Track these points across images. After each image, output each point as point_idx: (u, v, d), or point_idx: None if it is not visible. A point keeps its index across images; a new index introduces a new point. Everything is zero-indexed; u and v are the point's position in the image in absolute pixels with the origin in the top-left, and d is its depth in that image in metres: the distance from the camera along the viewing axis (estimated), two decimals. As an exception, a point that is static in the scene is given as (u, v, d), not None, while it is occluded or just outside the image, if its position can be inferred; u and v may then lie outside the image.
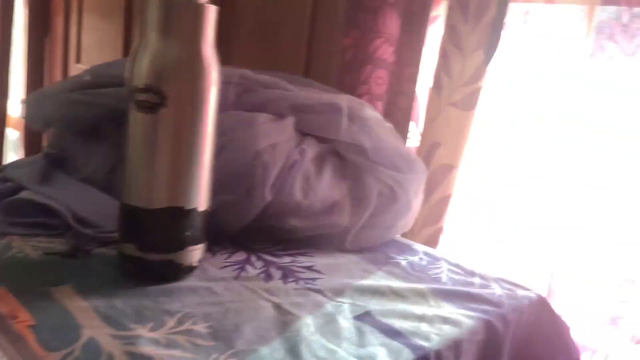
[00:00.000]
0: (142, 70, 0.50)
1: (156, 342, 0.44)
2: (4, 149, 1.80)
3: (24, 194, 0.66)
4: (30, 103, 0.78)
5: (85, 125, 0.74)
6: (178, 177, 0.52)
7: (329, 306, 0.53)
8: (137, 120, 0.52)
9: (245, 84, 0.70)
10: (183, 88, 0.50)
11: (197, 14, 0.50)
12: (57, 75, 1.79)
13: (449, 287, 0.61)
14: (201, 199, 0.53)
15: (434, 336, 0.50)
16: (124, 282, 0.54)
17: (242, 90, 0.69)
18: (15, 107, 1.72)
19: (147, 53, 0.50)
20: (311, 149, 0.67)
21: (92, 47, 1.63)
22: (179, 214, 0.52)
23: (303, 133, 0.69)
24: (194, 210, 0.53)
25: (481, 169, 0.86)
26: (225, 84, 0.57)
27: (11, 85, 1.72)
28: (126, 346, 0.43)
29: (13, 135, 1.90)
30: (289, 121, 0.68)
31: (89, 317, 0.47)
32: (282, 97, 0.70)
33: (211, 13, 0.51)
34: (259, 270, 0.59)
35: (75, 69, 1.66)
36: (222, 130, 0.57)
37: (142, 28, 0.51)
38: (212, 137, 0.53)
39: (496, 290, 0.61)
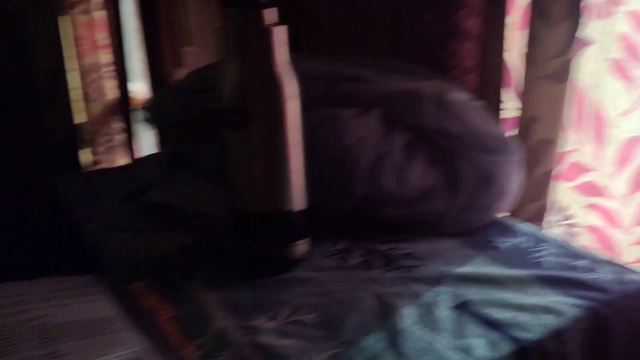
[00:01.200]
0: (226, 94, 0.56)
1: (274, 332, 0.50)
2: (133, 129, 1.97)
3: (153, 194, 0.75)
4: (149, 108, 0.86)
5: (198, 125, 0.81)
6: (273, 183, 0.57)
7: (428, 295, 0.56)
8: (229, 137, 0.58)
9: (330, 77, 0.73)
10: (263, 106, 0.56)
11: (266, 37, 0.54)
12: (170, 59, 1.91)
13: (552, 272, 0.60)
14: (298, 199, 0.59)
15: (535, 326, 0.51)
16: (244, 275, 0.60)
17: (328, 85, 0.72)
18: (139, 91, 1.85)
19: (227, 78, 0.55)
20: (400, 139, 0.69)
21: (199, 29, 1.72)
22: (280, 215, 0.58)
23: (391, 123, 0.71)
24: (292, 210, 0.58)
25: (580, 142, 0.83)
26: (310, 79, 0.61)
27: (132, 72, 1.85)
28: (250, 336, 0.50)
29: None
30: (375, 113, 0.70)
31: (217, 308, 0.54)
32: (367, 89, 0.72)
33: (280, 34, 0.55)
34: (360, 260, 0.63)
35: (186, 52, 1.76)
36: (310, 128, 0.60)
37: (219, 54, 0.56)
38: (298, 143, 0.58)
39: (603, 275, 0.59)
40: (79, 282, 0.54)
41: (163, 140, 0.92)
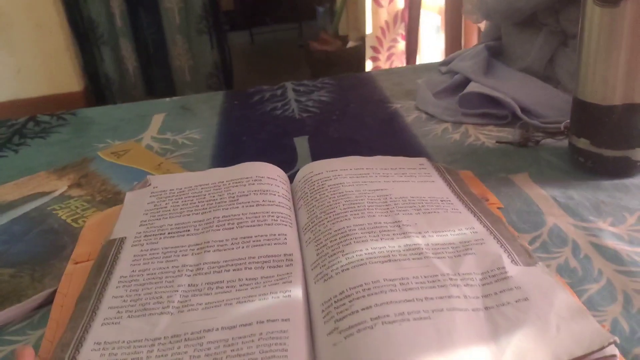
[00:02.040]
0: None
1: (619, 237, 0.46)
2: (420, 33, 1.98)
3: (473, 87, 0.73)
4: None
5: (525, 15, 0.76)
6: (635, 73, 0.50)
7: None
8: (594, 13, 0.51)
9: None
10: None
11: None
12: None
13: None
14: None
15: None
16: (576, 174, 0.56)
17: None
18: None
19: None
20: None
21: None
22: (636, 111, 0.51)
23: None
24: (654, 107, 0.50)
25: None
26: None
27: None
28: (589, 237, 0.47)
29: (434, 20, 2.06)
30: None
31: (548, 205, 0.52)
32: None
33: None
34: None
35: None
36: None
37: None
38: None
39: None
40: (411, 163, 0.57)
41: (485, 33, 0.89)
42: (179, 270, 0.43)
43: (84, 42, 2.88)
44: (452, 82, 0.78)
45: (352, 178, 0.53)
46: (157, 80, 3.05)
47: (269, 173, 0.55)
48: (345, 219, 0.46)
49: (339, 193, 0.50)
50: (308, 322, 0.38)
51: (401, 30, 2.28)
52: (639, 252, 0.44)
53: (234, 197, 0.51)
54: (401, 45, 2.32)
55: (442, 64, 0.90)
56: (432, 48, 2.20)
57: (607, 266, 0.43)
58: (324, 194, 0.50)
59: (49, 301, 0.44)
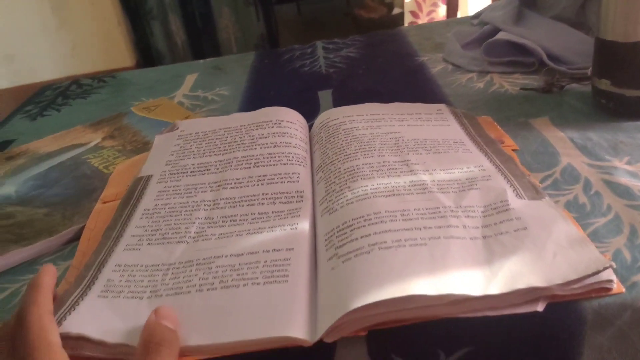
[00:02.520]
0: None
1: (633, 175, 0.45)
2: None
3: (500, 35, 0.72)
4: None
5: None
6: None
7: None
8: None
9: None
10: None
11: None
12: None
13: None
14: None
15: None
16: (598, 116, 0.55)
17: None
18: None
19: None
20: None
21: None
22: (661, 47, 0.49)
23: None
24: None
25: None
26: None
27: None
28: (602, 175, 0.46)
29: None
30: None
31: (565, 146, 0.51)
32: None
33: None
34: None
35: None
36: None
37: None
38: None
39: None
40: (428, 108, 0.57)
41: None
42: (197, 205, 0.46)
43: (135, 18, 2.96)
44: (482, 33, 0.77)
45: (366, 122, 0.54)
46: (206, 53, 3.10)
47: (288, 117, 0.56)
48: (355, 159, 0.47)
49: (352, 136, 0.51)
50: (313, 252, 0.39)
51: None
52: (649, 188, 0.43)
53: (253, 138, 0.53)
54: (442, 9, 2.27)
55: (474, 16, 0.89)
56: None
57: (617, 201, 0.42)
58: (338, 137, 0.52)
59: (77, 236, 0.47)
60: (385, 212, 0.39)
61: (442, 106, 0.58)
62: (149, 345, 0.31)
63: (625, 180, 0.45)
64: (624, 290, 0.34)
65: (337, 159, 0.48)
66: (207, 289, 0.36)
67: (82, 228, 0.47)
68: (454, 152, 0.48)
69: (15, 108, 0.83)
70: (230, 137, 0.54)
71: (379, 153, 0.48)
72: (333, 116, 0.56)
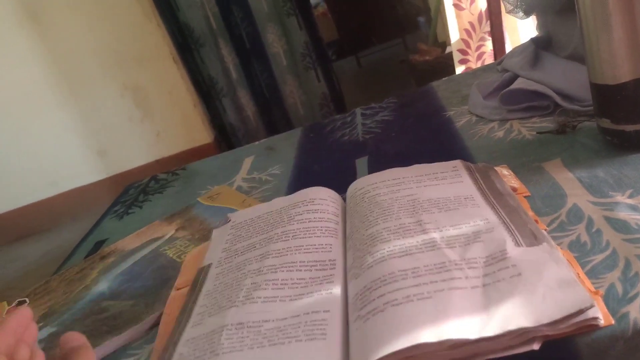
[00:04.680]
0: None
1: (633, 208, 0.49)
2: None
3: (517, 83, 0.77)
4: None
5: (562, 2, 0.78)
6: (637, 47, 0.52)
7: None
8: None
9: None
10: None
11: None
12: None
13: None
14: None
15: None
16: (606, 152, 0.58)
17: None
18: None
19: None
20: None
21: None
22: (647, 84, 0.53)
23: None
24: (663, 77, 0.52)
25: None
26: None
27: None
28: (604, 211, 0.50)
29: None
30: None
31: (573, 186, 0.55)
32: None
33: None
34: None
35: None
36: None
37: None
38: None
39: None
40: (445, 167, 0.63)
41: (538, 26, 0.91)
42: (244, 275, 0.54)
43: (208, 98, 3.21)
44: (502, 81, 0.82)
45: (387, 188, 0.60)
46: (276, 120, 3.29)
47: (320, 195, 0.64)
48: (376, 224, 0.54)
49: (375, 202, 0.58)
50: (346, 314, 0.46)
51: (488, 28, 2.27)
52: (646, 220, 0.47)
53: (291, 216, 0.62)
54: (490, 43, 2.30)
55: (498, 63, 0.94)
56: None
57: (615, 237, 0.46)
58: (363, 205, 0.59)
59: (158, 322, 0.57)
60: (399, 271, 0.46)
61: (457, 163, 0.63)
62: None
63: (624, 214, 0.48)
64: (613, 322, 0.38)
65: (362, 226, 0.55)
66: (257, 347, 0.44)
67: (161, 314, 0.57)
68: (463, 207, 0.53)
69: (106, 209, 0.97)
70: (272, 218, 0.63)
71: (397, 216, 0.54)
72: (359, 185, 0.63)
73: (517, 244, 0.46)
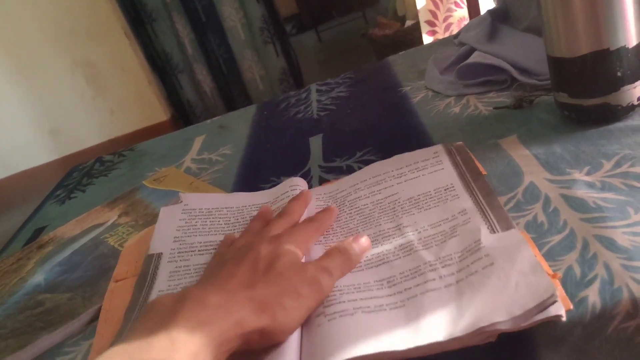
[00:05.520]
0: None
1: (590, 186, 0.47)
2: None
3: (474, 57, 0.74)
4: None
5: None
6: (596, 18, 0.50)
7: None
8: None
9: None
10: None
11: None
12: None
13: None
14: (628, 35, 0.50)
15: None
16: (563, 127, 0.57)
17: None
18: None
19: None
20: None
21: None
22: (605, 56, 0.51)
23: None
24: (621, 48, 0.50)
25: None
26: None
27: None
28: (561, 189, 0.48)
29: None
30: None
31: (530, 163, 0.53)
32: None
33: None
34: None
35: None
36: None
37: None
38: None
39: None
40: (426, 154, 0.59)
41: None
42: None
43: (163, 75, 3.11)
44: (458, 55, 0.80)
45: (368, 188, 0.57)
46: (235, 96, 3.22)
47: (282, 190, 0.61)
48: (356, 232, 0.51)
49: (355, 208, 0.55)
50: None
51: (455, -2, 2.25)
52: (606, 198, 0.45)
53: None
54: (458, 12, 2.29)
55: (455, 36, 0.91)
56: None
57: (572, 216, 0.45)
58: (344, 209, 0.56)
59: (97, 316, 0.53)
60: (374, 281, 0.44)
61: (438, 148, 0.59)
62: (331, 250, 0.45)
63: (581, 192, 0.47)
64: (571, 307, 0.37)
65: (341, 232, 0.52)
66: None
67: (100, 309, 0.53)
68: (443, 203, 0.51)
69: (47, 194, 0.92)
70: (233, 217, 0.60)
71: (377, 223, 0.52)
72: (341, 187, 0.60)
73: (493, 230, 0.44)
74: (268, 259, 0.44)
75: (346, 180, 0.61)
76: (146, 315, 0.38)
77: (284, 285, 0.41)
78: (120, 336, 0.46)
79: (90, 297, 0.56)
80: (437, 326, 0.37)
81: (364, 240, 0.48)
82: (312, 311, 0.42)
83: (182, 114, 3.22)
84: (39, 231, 0.78)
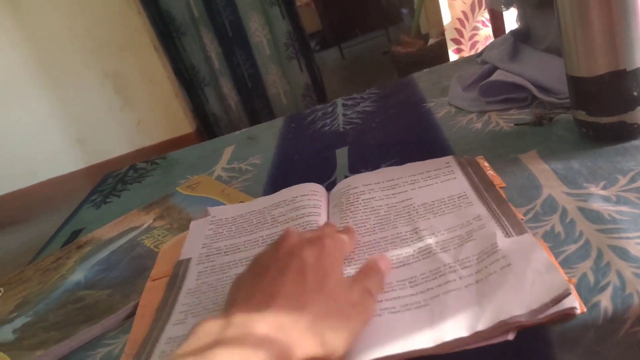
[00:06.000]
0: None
1: (606, 199, 0.49)
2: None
3: (496, 75, 0.77)
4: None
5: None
6: (614, 40, 0.52)
7: None
8: None
9: None
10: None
11: None
12: None
13: None
14: (644, 56, 0.52)
15: None
16: (582, 144, 0.59)
17: None
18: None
19: None
20: None
21: None
22: (622, 77, 0.53)
23: None
24: (637, 69, 0.53)
25: None
26: None
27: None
28: (578, 202, 0.50)
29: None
30: None
31: (548, 177, 0.56)
32: None
33: None
34: None
35: None
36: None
37: None
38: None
39: None
40: (437, 164, 0.62)
41: (517, 18, 0.92)
42: (229, 278, 0.54)
43: (190, 88, 3.18)
44: (481, 73, 0.83)
45: (382, 191, 0.61)
46: (258, 110, 3.27)
47: (301, 192, 0.64)
48: (373, 233, 0.55)
49: (371, 208, 0.58)
50: None
51: (482, 17, 2.28)
52: (621, 211, 0.47)
53: (274, 217, 0.62)
54: (484, 31, 2.31)
55: (478, 55, 0.94)
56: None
57: (588, 227, 0.47)
58: (358, 207, 0.59)
59: (134, 312, 0.56)
60: (397, 282, 0.47)
61: (449, 158, 0.63)
62: (367, 270, 0.46)
63: (597, 205, 0.49)
64: (585, 310, 0.39)
65: (358, 231, 0.55)
66: None
67: (137, 305, 0.56)
68: (457, 209, 0.54)
69: (83, 199, 0.96)
70: (255, 219, 0.63)
71: (393, 225, 0.55)
72: (353, 184, 0.63)
73: (507, 235, 0.47)
74: (314, 267, 0.42)
75: (358, 178, 0.64)
76: (190, 343, 0.37)
77: (332, 306, 0.40)
78: (153, 331, 0.50)
79: (129, 294, 0.59)
80: (461, 323, 0.40)
81: (389, 260, 0.48)
82: (358, 335, 0.40)
83: (207, 127, 3.28)
84: (76, 233, 0.82)
